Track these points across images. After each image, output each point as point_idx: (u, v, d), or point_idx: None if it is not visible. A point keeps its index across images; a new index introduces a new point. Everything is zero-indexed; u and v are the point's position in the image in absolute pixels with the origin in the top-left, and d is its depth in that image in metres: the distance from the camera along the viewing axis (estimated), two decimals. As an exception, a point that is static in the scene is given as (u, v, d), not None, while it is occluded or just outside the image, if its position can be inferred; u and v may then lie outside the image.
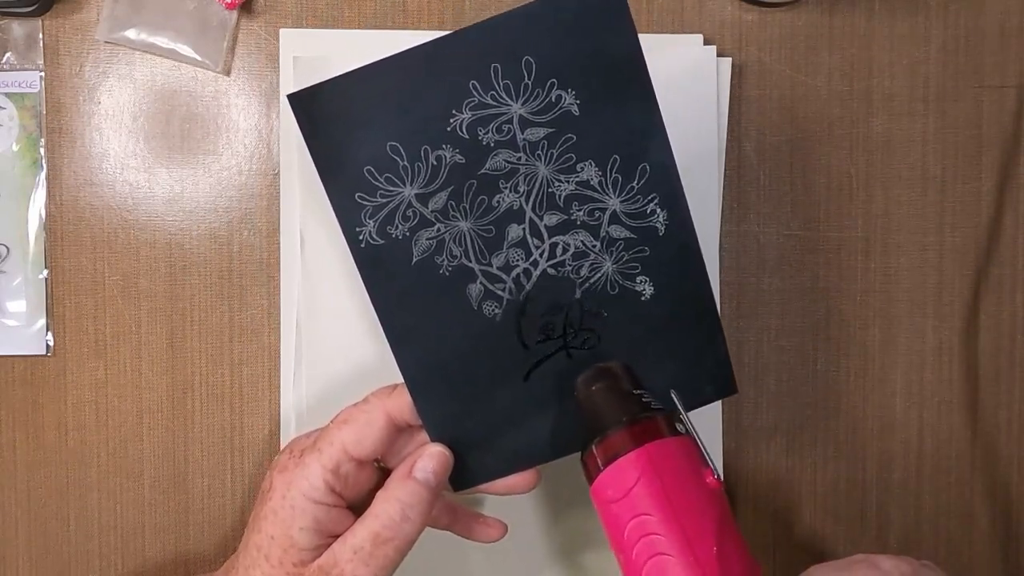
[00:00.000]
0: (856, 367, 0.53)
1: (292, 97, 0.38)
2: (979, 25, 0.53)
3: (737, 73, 0.52)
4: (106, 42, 0.50)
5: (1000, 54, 0.53)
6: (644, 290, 0.42)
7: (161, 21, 0.49)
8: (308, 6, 0.51)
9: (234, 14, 0.50)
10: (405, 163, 0.39)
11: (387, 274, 0.40)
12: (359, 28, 0.51)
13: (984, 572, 0.54)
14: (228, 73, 0.51)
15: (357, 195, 0.39)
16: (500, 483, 0.43)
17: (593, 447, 0.38)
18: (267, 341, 0.51)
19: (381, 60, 0.38)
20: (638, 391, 0.40)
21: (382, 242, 0.40)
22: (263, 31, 0.51)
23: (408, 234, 0.40)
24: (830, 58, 0.52)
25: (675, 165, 0.40)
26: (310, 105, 0.39)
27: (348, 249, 0.40)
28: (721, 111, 0.51)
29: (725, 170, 0.52)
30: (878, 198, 0.53)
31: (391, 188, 0.40)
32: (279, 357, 0.51)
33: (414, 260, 0.40)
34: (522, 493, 0.44)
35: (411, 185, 0.40)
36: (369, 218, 0.40)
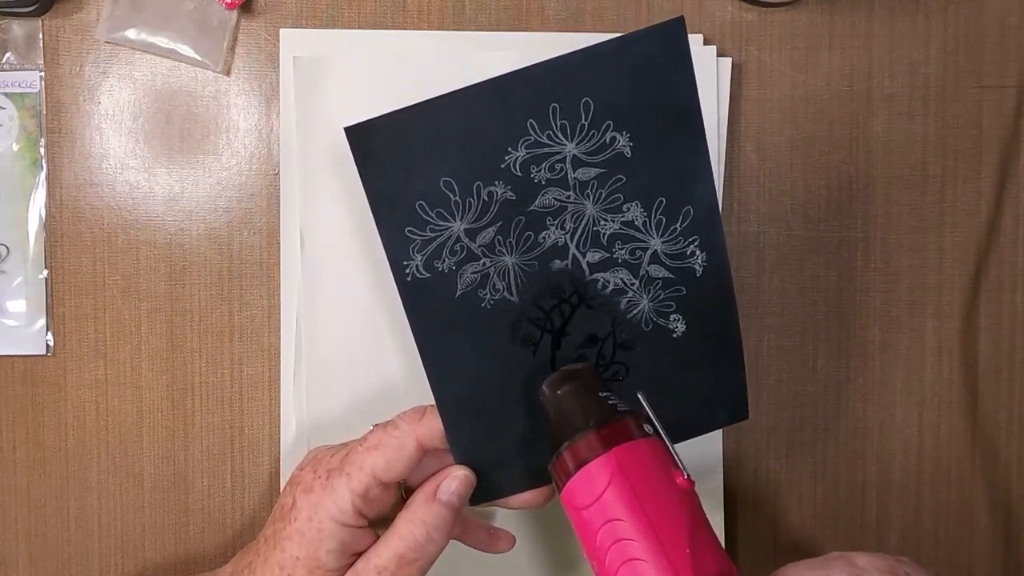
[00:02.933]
0: (856, 367, 0.53)
1: (349, 130, 0.38)
2: (979, 25, 0.53)
3: (737, 73, 0.52)
4: (106, 42, 0.50)
5: (1000, 54, 0.53)
6: (676, 328, 0.42)
7: (161, 21, 0.49)
8: (308, 6, 0.51)
9: (234, 14, 0.50)
10: (457, 198, 0.39)
11: (430, 307, 0.40)
12: (359, 28, 0.51)
13: (984, 572, 0.54)
14: (228, 73, 0.51)
15: (407, 229, 0.39)
16: (515, 498, 0.43)
17: (561, 453, 0.38)
18: (267, 341, 0.51)
19: (441, 96, 0.38)
20: (604, 393, 0.40)
21: (428, 276, 0.40)
22: (263, 31, 0.51)
23: (454, 268, 0.40)
24: (830, 58, 0.52)
25: (718, 209, 0.41)
26: (366, 138, 0.38)
27: (393, 280, 0.40)
28: (721, 111, 0.51)
29: (725, 170, 0.52)
30: (878, 198, 0.53)
31: (441, 223, 0.40)
32: (279, 357, 0.51)
33: (458, 293, 0.40)
34: (536, 507, 0.44)
35: (461, 220, 0.40)
36: (417, 252, 0.40)
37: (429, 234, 0.40)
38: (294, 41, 0.50)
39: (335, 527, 0.39)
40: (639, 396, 0.40)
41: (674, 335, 0.43)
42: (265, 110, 0.51)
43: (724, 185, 0.52)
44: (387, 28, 0.51)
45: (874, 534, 0.54)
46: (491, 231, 0.40)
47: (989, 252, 0.54)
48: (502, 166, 0.39)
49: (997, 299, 0.54)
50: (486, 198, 0.40)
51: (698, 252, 0.41)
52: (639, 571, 0.35)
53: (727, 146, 0.51)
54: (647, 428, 0.38)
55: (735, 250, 0.52)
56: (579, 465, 0.37)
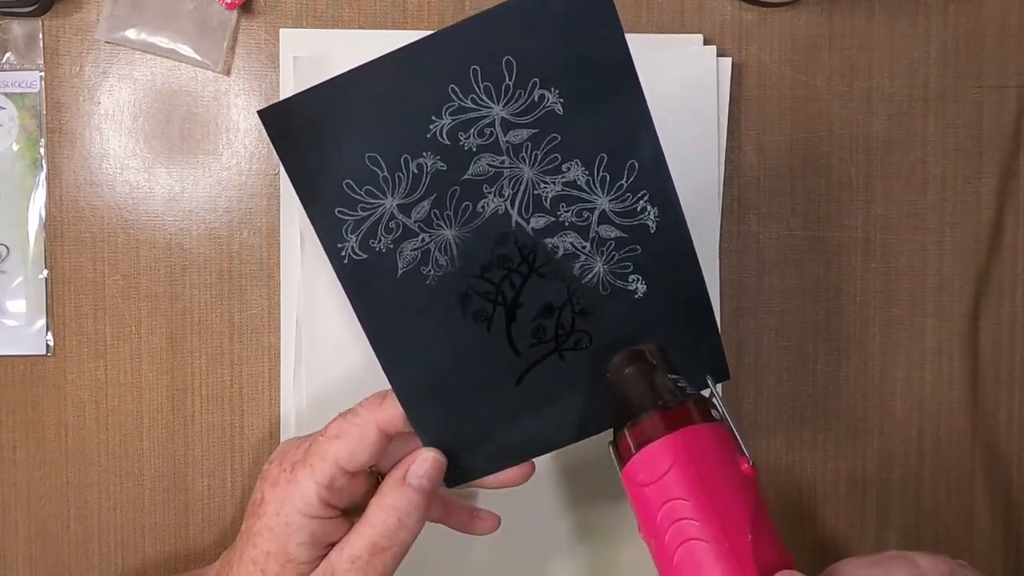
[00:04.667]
0: (856, 367, 0.53)
1: (263, 113, 0.37)
2: (979, 25, 0.53)
3: (737, 73, 0.52)
4: (106, 42, 0.50)
5: (1000, 54, 0.53)
6: (637, 288, 0.41)
7: (161, 21, 0.49)
8: (308, 6, 0.51)
9: (234, 14, 0.50)
10: (385, 174, 0.38)
11: (372, 289, 0.40)
12: (359, 28, 0.51)
13: (984, 572, 0.54)
14: (228, 73, 0.51)
15: (337, 210, 0.39)
16: (494, 477, 0.43)
17: (626, 430, 0.37)
18: (267, 341, 0.51)
19: (354, 69, 0.37)
20: (673, 375, 0.39)
21: (365, 256, 0.39)
22: (263, 31, 0.51)
23: (392, 246, 0.39)
24: (830, 58, 0.52)
25: (665, 160, 0.39)
26: (282, 121, 0.37)
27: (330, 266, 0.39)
28: (721, 111, 0.51)
29: (725, 170, 0.52)
30: (878, 198, 0.53)
31: (372, 200, 0.39)
32: (279, 357, 0.51)
33: (399, 272, 0.39)
34: (517, 486, 0.43)
35: (392, 196, 0.39)
36: (351, 233, 0.39)
37: (361, 213, 0.39)
38: (294, 41, 0.50)
39: (303, 520, 0.39)
40: (708, 380, 0.39)
41: (635, 296, 0.41)
42: (265, 110, 0.51)
43: (724, 185, 0.52)
44: (387, 28, 0.51)
45: (874, 534, 0.54)
46: (425, 205, 0.39)
47: (989, 252, 0.54)
48: (428, 136, 0.38)
49: (997, 299, 0.54)
50: (416, 171, 0.38)
51: (649, 207, 0.40)
52: (698, 552, 0.34)
53: (727, 146, 0.51)
54: (714, 413, 0.38)
55: (735, 250, 0.52)
56: (643, 443, 0.37)
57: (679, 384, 0.39)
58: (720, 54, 0.51)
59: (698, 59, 0.50)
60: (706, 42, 0.51)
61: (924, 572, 0.39)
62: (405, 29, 0.51)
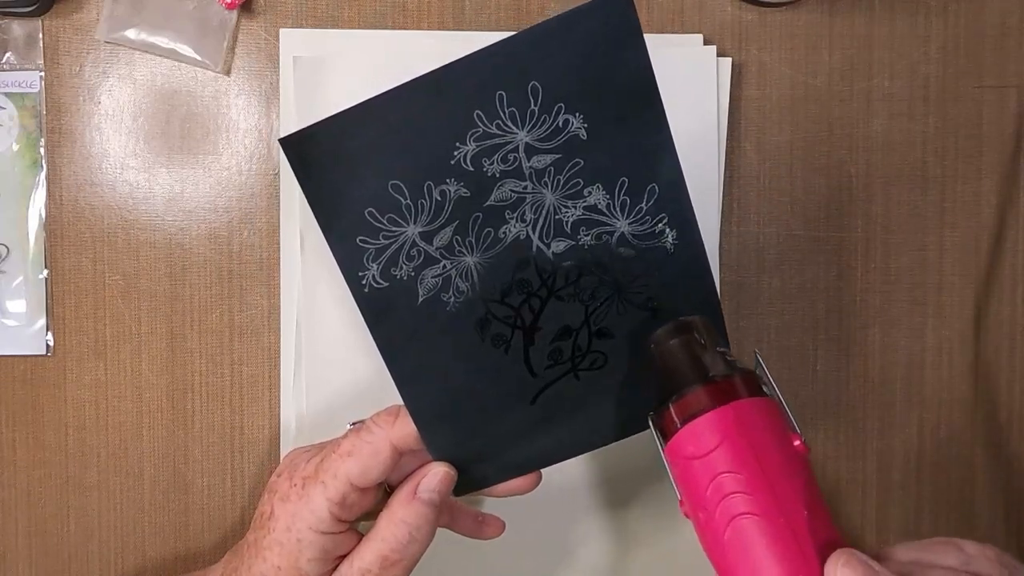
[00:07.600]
0: (856, 367, 0.53)
1: (284, 141, 0.37)
2: (979, 25, 0.53)
3: (737, 73, 0.52)
4: (106, 42, 0.50)
5: (1000, 54, 0.53)
6: (652, 307, 0.41)
7: (161, 21, 0.49)
8: (308, 6, 0.51)
9: (234, 14, 0.50)
10: (408, 201, 0.38)
11: (392, 317, 0.39)
12: (359, 28, 0.51)
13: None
14: (228, 73, 0.51)
15: (359, 239, 0.38)
16: (502, 486, 0.43)
17: (671, 403, 0.36)
18: (267, 341, 0.51)
19: (379, 95, 0.37)
20: (721, 349, 0.38)
21: (386, 285, 0.39)
22: (263, 31, 0.51)
23: (413, 274, 0.39)
24: (830, 58, 0.52)
25: (684, 183, 0.39)
26: (304, 148, 0.37)
27: (350, 294, 0.39)
28: (721, 111, 0.51)
29: (725, 170, 0.52)
30: (878, 198, 0.53)
31: (394, 228, 0.38)
32: (279, 357, 0.51)
33: (420, 300, 0.39)
34: (524, 493, 0.44)
35: (415, 223, 0.38)
36: (372, 261, 0.39)
37: (383, 241, 0.38)
38: (294, 41, 0.50)
39: (314, 536, 0.39)
40: (756, 355, 0.39)
41: (651, 316, 0.41)
42: (265, 110, 0.51)
43: (724, 185, 0.52)
44: (387, 28, 0.51)
45: (874, 534, 0.54)
46: (448, 231, 0.39)
47: (989, 252, 0.54)
48: (452, 162, 0.38)
49: (997, 299, 0.54)
50: (439, 198, 0.38)
51: (667, 230, 0.40)
52: (751, 528, 0.33)
53: (727, 146, 0.51)
54: (765, 389, 0.37)
55: (735, 250, 0.52)
56: (692, 416, 0.35)
57: (728, 358, 0.38)
58: (720, 54, 0.51)
59: (698, 59, 0.50)
60: (706, 42, 0.51)
61: (972, 558, 0.39)
62: (405, 29, 0.51)
